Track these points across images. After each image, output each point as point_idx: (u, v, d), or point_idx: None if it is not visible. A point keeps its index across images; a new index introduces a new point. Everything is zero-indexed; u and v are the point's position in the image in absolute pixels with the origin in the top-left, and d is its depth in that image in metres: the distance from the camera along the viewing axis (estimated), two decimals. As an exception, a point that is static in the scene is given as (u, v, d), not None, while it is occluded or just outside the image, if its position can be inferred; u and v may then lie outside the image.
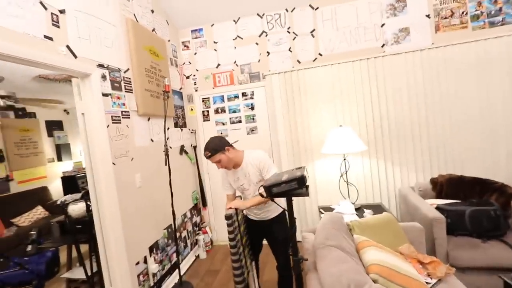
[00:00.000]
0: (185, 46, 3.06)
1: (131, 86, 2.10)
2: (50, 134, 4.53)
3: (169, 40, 2.80)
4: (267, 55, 2.89)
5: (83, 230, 2.12)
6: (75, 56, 1.60)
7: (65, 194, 3.61)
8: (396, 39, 2.64)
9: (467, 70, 2.48)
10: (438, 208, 1.99)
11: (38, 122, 4.33)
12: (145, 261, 2.05)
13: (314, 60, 2.81)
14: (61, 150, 4.61)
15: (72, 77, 1.78)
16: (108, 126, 1.81)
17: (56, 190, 4.35)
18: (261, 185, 1.22)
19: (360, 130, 2.66)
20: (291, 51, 2.84)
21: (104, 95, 1.81)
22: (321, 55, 2.79)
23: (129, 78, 2.09)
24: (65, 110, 4.89)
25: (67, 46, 1.55)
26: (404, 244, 1.53)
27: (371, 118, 2.66)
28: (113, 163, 1.81)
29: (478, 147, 2.49)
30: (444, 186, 2.27)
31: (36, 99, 3.33)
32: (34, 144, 4.21)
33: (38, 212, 3.80)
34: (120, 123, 1.94)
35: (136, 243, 1.96)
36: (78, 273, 2.21)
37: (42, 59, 1.39)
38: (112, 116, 1.86)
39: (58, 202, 2.41)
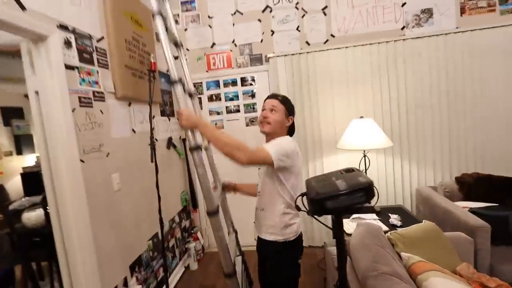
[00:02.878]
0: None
1: (106, 60, 1.63)
2: (7, 123, 3.84)
3: (154, 10, 2.31)
4: (271, 35, 2.49)
5: (42, 245, 1.65)
6: (23, 8, 1.12)
7: (26, 194, 3.04)
8: (417, 21, 2.35)
9: (493, 57, 2.24)
10: (473, 212, 1.74)
11: (-9, 109, 3.64)
12: (125, 284, 1.62)
13: (325, 42, 2.45)
14: (21, 142, 3.93)
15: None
16: (74, 110, 1.34)
17: (15, 189, 3.70)
18: (300, 195, 0.85)
19: (375, 122, 2.36)
20: (299, 31, 2.47)
21: (69, 67, 1.34)
22: (333, 36, 2.44)
23: (104, 50, 1.61)
24: (26, 95, 4.18)
25: (10, -9, 1.07)
26: (462, 264, 1.23)
27: (388, 108, 2.36)
28: (81, 160, 1.36)
29: (504, 143, 2.28)
30: (473, 187, 2.03)
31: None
32: (-14, 135, 3.52)
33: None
34: (91, 107, 1.47)
35: (113, 263, 1.53)
36: (36, 299, 1.74)
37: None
38: (80, 98, 1.40)
39: (11, 208, 1.90)
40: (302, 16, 2.45)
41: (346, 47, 2.36)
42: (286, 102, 1.28)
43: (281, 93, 1.35)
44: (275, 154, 1.09)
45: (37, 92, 1.28)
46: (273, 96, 1.30)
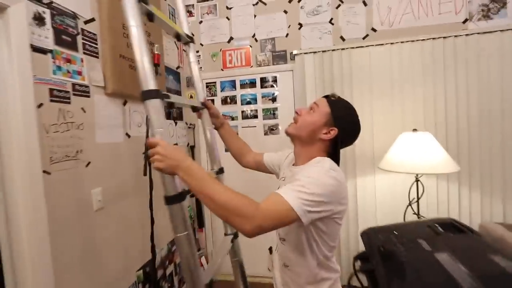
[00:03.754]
0: (187, 12, 2.28)
1: (96, 47, 1.32)
2: None
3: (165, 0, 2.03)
4: (299, 28, 2.11)
5: None
6: (-32, -37, 0.82)
7: None
8: (485, 12, 1.87)
9: None
10: None
11: None
12: (100, 333, 1.26)
13: (364, 38, 2.03)
14: None
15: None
16: (40, 106, 1.03)
17: None
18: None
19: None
20: (332, 24, 2.07)
21: (38, 50, 1.03)
22: (374, 30, 2.02)
23: (94, 34, 1.31)
24: None
25: None
26: None
27: (443, 121, 1.88)
28: (44, 171, 1.03)
29: None
30: None
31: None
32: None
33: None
34: (67, 103, 1.15)
35: (85, 306, 1.17)
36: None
37: None
38: (52, 90, 1.08)
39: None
40: (337, 7, 2.05)
41: (391, 44, 1.92)
42: (336, 107, 0.86)
43: (339, 97, 0.91)
44: (299, 205, 0.67)
45: (-7, 79, 0.98)
46: (328, 95, 0.92)
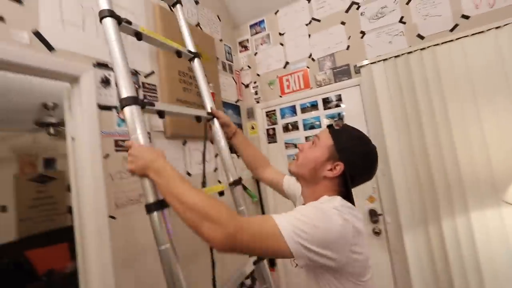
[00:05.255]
0: (243, 47, 2.35)
1: (156, 96, 1.44)
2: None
3: (221, 40, 2.14)
4: (361, 37, 1.85)
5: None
6: (50, 48, 1.01)
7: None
8: None
9: None
10: None
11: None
12: None
13: (452, 29, 1.60)
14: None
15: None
16: (106, 157, 1.14)
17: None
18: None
19: None
20: (403, 23, 1.73)
21: (104, 108, 1.17)
22: (466, 17, 1.56)
23: (154, 85, 1.44)
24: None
25: (36, 32, 0.98)
26: None
27: None
28: (110, 217, 1.11)
29: None
30: None
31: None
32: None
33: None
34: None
35: None
36: None
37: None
38: (117, 141, 1.20)
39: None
40: (407, 2, 1.71)
41: (497, 28, 1.43)
42: (340, 137, 0.73)
43: (345, 125, 0.78)
44: (289, 232, 0.55)
45: (73, 139, 1.15)
46: (331, 124, 0.78)
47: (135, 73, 1.34)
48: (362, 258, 0.63)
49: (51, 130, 2.51)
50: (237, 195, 1.04)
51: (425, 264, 1.59)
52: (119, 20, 0.80)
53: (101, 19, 0.78)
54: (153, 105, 0.82)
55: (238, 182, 1.05)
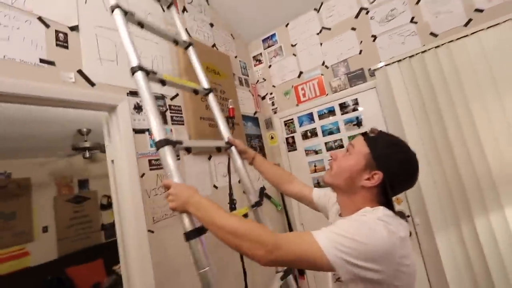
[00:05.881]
0: (257, 60, 2.45)
1: (181, 116, 1.55)
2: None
3: (236, 57, 2.25)
4: (373, 40, 1.88)
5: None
6: (92, 84, 1.14)
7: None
8: None
9: None
10: None
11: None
12: None
13: (466, 24, 1.59)
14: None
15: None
16: (143, 176, 1.24)
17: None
18: None
19: None
20: (415, 23, 1.74)
21: (138, 132, 1.28)
22: (480, 11, 1.56)
23: (178, 106, 1.55)
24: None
25: (79, 71, 1.11)
26: None
27: None
28: (149, 231, 1.20)
29: None
30: None
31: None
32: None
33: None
34: (189, 152, 1.38)
35: None
36: None
37: (31, 91, 0.95)
38: (150, 161, 1.30)
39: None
40: (417, 2, 1.73)
41: (514, 18, 1.41)
42: (376, 145, 0.70)
43: (376, 130, 0.75)
44: (331, 249, 0.57)
45: (113, 161, 1.27)
46: (366, 132, 0.76)
47: (162, 97, 1.46)
48: (410, 271, 0.61)
49: (87, 154, 2.72)
50: (260, 216, 1.10)
51: (461, 266, 1.54)
52: (147, 72, 0.91)
53: (133, 73, 0.90)
54: (182, 143, 0.92)
55: (259, 203, 1.10)
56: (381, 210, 0.66)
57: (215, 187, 1.65)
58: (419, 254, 1.73)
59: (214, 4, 2.11)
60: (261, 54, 2.41)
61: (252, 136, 2.17)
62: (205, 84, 1.24)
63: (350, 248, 0.56)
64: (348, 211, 0.71)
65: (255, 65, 2.45)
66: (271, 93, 2.37)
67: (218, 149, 1.13)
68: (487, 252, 1.43)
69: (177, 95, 1.56)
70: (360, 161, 0.70)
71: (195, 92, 1.20)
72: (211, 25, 2.05)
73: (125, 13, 0.96)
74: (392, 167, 0.68)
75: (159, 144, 0.83)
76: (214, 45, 2.01)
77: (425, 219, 1.65)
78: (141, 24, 1.03)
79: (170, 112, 1.48)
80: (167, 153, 0.82)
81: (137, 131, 1.27)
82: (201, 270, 0.73)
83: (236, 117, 1.85)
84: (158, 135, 0.84)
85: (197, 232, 0.76)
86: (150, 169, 1.29)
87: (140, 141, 1.28)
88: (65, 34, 1.10)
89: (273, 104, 2.35)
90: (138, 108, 1.32)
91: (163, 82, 1.00)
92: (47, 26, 1.05)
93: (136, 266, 1.14)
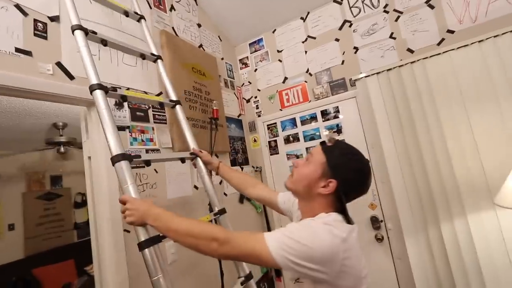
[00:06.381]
0: (243, 64, 2.47)
1: (163, 115, 1.54)
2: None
3: (222, 58, 2.26)
4: (355, 52, 1.97)
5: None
6: (71, 77, 1.12)
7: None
8: None
9: None
10: None
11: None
12: None
13: (439, 43, 1.71)
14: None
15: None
16: (121, 174, 1.22)
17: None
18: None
19: None
20: (394, 38, 1.84)
21: (118, 129, 1.26)
22: (451, 32, 1.68)
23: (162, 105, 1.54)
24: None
25: (58, 63, 1.08)
26: None
27: None
28: (125, 230, 1.18)
29: None
30: None
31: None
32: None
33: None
34: (143, 167, 1.34)
35: None
36: None
37: (5, 81, 0.92)
38: (130, 159, 1.28)
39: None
40: (396, 19, 1.83)
41: (480, 41, 1.53)
42: (332, 154, 0.75)
43: (336, 141, 0.81)
44: (277, 249, 0.62)
45: (89, 158, 1.24)
46: (324, 141, 0.82)
47: (144, 94, 1.44)
48: (354, 272, 0.66)
49: (61, 149, 2.60)
50: (223, 223, 1.15)
51: (427, 268, 1.63)
52: (106, 90, 0.94)
53: (91, 91, 0.92)
54: (139, 157, 0.95)
55: (222, 211, 1.16)
56: (333, 216, 0.71)
57: (196, 187, 1.64)
58: (390, 257, 1.82)
59: (202, 5, 2.11)
60: (247, 57, 2.44)
61: (235, 138, 2.18)
62: (172, 96, 1.28)
63: (293, 249, 0.61)
64: (307, 216, 0.76)
65: (241, 68, 2.48)
66: (255, 97, 2.40)
67: (182, 160, 1.18)
68: (450, 255, 1.54)
69: (161, 93, 1.54)
70: (317, 169, 0.74)
71: (161, 105, 1.25)
72: (199, 25, 2.05)
73: (86, 33, 0.98)
74: (346, 176, 0.73)
75: (115, 159, 0.85)
76: (201, 46, 2.01)
77: (397, 224, 1.74)
78: (104, 42, 1.05)
79: (153, 111, 1.47)
80: (123, 168, 0.85)
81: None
82: (153, 277, 0.76)
83: (220, 119, 1.86)
84: (114, 150, 0.86)
85: (151, 241, 0.79)
86: (133, 167, 1.27)
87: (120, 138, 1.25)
88: (45, 24, 1.07)
89: (257, 107, 2.38)
90: (120, 104, 1.30)
91: (123, 98, 1.03)
92: (25, 14, 1.01)
93: (110, 266, 1.11)
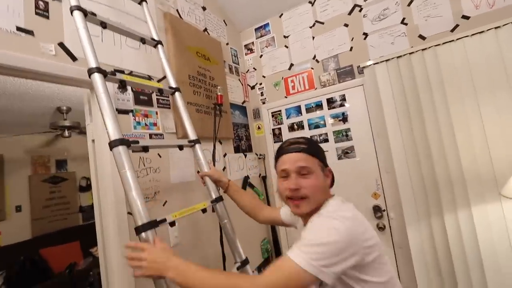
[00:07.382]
0: (248, 49, 2.42)
1: (167, 99, 1.52)
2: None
3: (227, 44, 2.21)
4: (364, 38, 1.90)
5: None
6: (74, 58, 1.09)
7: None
8: None
9: None
10: None
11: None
12: None
13: (453, 30, 1.64)
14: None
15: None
16: (124, 157, 1.22)
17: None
18: None
19: None
20: (405, 24, 1.77)
21: (122, 112, 1.25)
22: (467, 18, 1.61)
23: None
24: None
25: (61, 44, 1.06)
26: None
27: None
28: (129, 213, 1.19)
29: None
30: None
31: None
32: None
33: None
34: (146, 151, 1.33)
35: None
36: None
37: (6, 60, 0.90)
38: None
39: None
40: (409, 4, 1.76)
41: (497, 28, 1.47)
42: (314, 149, 0.82)
43: (305, 140, 0.85)
44: (308, 262, 0.60)
45: (93, 141, 1.24)
46: (290, 148, 0.81)
47: (148, 79, 1.42)
48: (371, 243, 0.68)
49: (66, 133, 2.61)
50: (220, 211, 1.17)
51: (428, 258, 1.64)
52: (105, 74, 0.93)
53: (89, 74, 0.91)
54: (137, 142, 0.94)
55: (219, 199, 1.17)
56: (331, 203, 0.77)
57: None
58: (391, 246, 1.83)
59: (208, -13, 2.04)
60: (253, 43, 2.38)
61: (239, 125, 2.16)
62: (172, 83, 1.26)
63: (320, 253, 0.61)
64: (312, 214, 0.77)
65: (246, 54, 2.43)
66: (260, 83, 2.35)
67: (180, 148, 1.18)
68: (452, 245, 1.54)
69: (164, 77, 1.51)
70: (319, 172, 0.79)
71: (160, 91, 1.23)
72: (204, 8, 1.99)
73: (86, 14, 0.94)
74: (323, 154, 0.84)
75: (113, 144, 0.84)
76: (205, 30, 1.96)
77: (399, 214, 1.73)
78: (103, 25, 1.02)
79: (156, 95, 1.45)
80: (121, 153, 0.84)
81: (120, 111, 1.24)
82: None
83: (224, 105, 1.84)
84: (112, 134, 0.85)
85: (148, 225, 0.82)
86: (133, 151, 1.26)
87: (124, 121, 1.25)
88: (46, 3, 1.04)
89: (262, 94, 2.35)
90: (123, 87, 1.27)
91: (122, 83, 1.02)
92: (26, -9, 0.98)
93: (114, 248, 1.13)
